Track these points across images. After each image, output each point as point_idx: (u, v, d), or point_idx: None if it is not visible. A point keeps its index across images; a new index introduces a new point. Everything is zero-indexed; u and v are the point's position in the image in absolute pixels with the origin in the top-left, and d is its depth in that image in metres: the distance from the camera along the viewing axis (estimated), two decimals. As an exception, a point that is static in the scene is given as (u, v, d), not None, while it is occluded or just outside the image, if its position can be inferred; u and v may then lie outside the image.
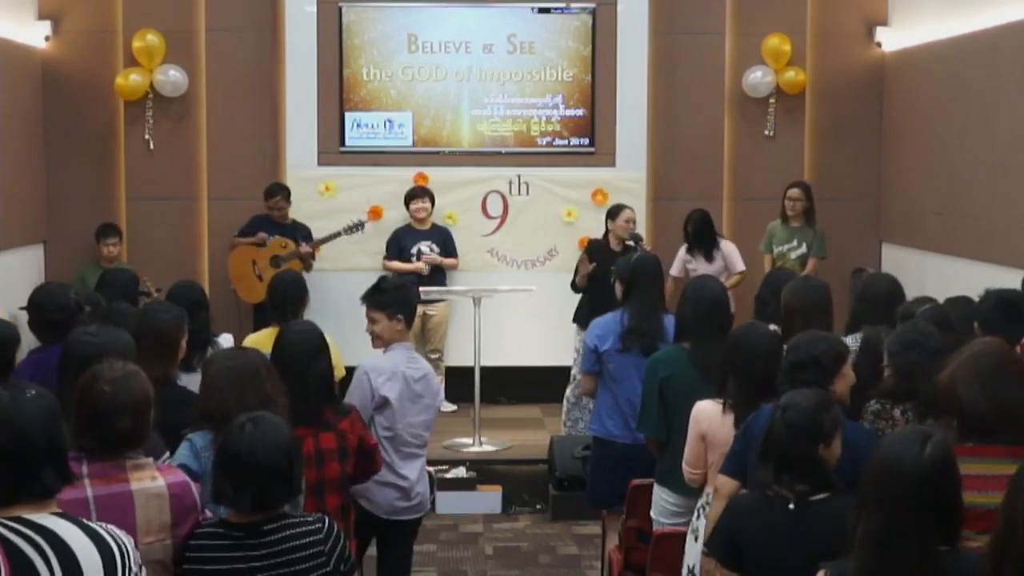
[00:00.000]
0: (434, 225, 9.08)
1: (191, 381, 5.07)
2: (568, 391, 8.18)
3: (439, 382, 5.35)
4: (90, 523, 2.57)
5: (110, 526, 2.62)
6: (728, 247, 8.76)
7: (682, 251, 8.77)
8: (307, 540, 3.26)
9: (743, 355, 4.25)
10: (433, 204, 9.05)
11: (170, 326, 4.54)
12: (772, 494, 3.35)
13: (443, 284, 8.91)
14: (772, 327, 4.81)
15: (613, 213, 8.40)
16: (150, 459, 3.29)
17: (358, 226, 8.97)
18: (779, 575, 3.30)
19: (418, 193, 9.03)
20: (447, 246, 9.03)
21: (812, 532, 3.21)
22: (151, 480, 3.23)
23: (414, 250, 8.92)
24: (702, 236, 8.64)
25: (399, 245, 8.95)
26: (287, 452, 3.26)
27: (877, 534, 2.65)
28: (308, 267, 8.74)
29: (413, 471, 5.11)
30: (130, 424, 3.18)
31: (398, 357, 5.11)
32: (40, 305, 5.01)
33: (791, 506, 3.31)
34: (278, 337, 4.64)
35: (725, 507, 3.53)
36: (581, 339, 8.07)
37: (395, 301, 5.12)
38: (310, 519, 3.33)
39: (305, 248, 8.81)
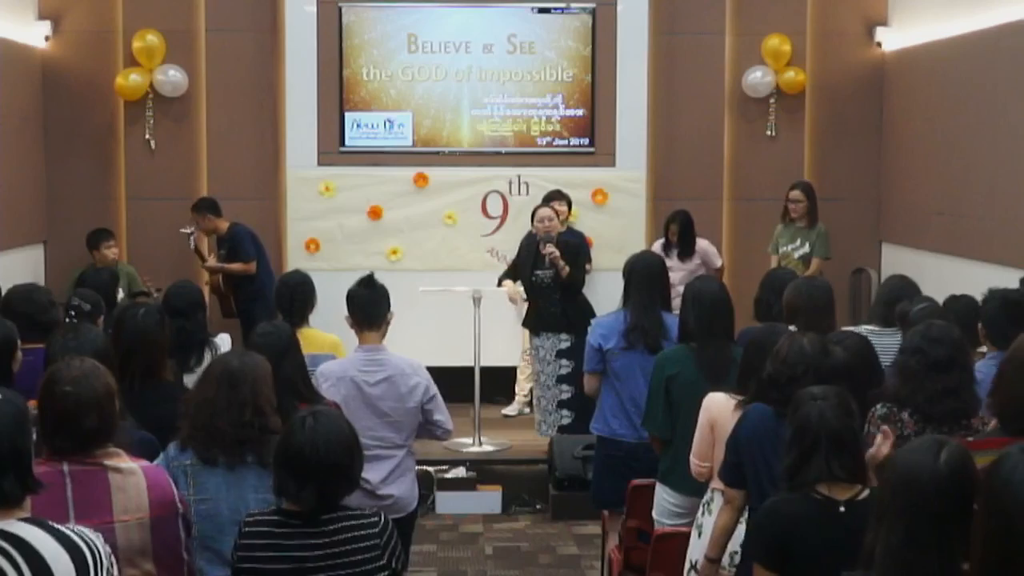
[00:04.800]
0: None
1: (189, 382, 5.08)
2: (539, 393, 8.14)
3: (417, 383, 5.05)
4: (59, 527, 2.57)
5: (80, 528, 2.62)
6: (703, 245, 8.84)
7: (655, 247, 8.66)
8: (363, 533, 3.26)
9: (767, 356, 4.16)
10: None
11: (150, 325, 4.53)
12: (819, 497, 3.28)
13: None
14: (792, 328, 4.81)
15: (534, 211, 8.24)
16: (120, 451, 3.29)
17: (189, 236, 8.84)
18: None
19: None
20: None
21: (864, 531, 3.16)
22: (125, 464, 3.25)
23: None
24: (686, 237, 8.73)
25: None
26: (348, 447, 3.27)
27: (898, 548, 2.57)
28: (227, 274, 8.71)
29: (376, 474, 4.93)
30: (97, 421, 3.19)
31: (350, 361, 5.06)
32: (17, 306, 4.94)
33: (842, 508, 3.25)
34: (246, 340, 4.63)
35: (765, 513, 3.38)
36: (534, 344, 8.10)
37: (346, 301, 5.13)
38: (367, 513, 3.34)
39: (208, 261, 8.79)
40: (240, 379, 3.80)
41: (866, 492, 3.27)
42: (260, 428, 3.74)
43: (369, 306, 5.08)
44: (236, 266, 8.70)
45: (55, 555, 2.49)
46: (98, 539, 2.61)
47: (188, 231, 8.79)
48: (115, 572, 2.64)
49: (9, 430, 2.57)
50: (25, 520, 2.54)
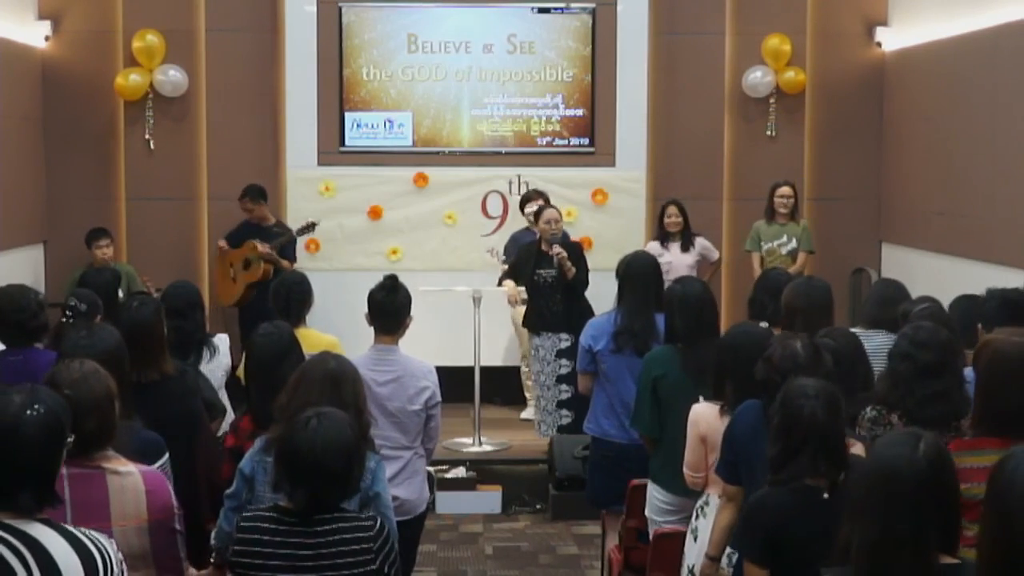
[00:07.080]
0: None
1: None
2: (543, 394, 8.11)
3: (425, 386, 5.03)
4: (72, 529, 2.60)
5: (92, 531, 2.64)
6: (700, 240, 8.91)
7: (653, 245, 8.67)
8: (357, 535, 3.25)
9: (739, 357, 4.19)
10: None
11: (145, 316, 4.51)
12: (802, 487, 3.30)
13: None
14: (764, 325, 4.81)
15: (537, 212, 8.22)
16: (119, 455, 3.30)
17: (309, 227, 8.89)
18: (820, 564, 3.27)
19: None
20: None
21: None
22: (124, 467, 3.26)
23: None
24: (686, 223, 8.82)
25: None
26: (346, 453, 3.24)
27: (877, 542, 2.57)
28: (277, 267, 8.59)
29: None
30: (96, 424, 3.19)
31: (361, 359, 5.00)
32: (4, 309, 4.89)
33: (825, 495, 3.28)
34: (248, 341, 4.61)
35: (752, 508, 3.42)
36: (534, 344, 8.07)
37: (367, 302, 5.11)
38: (363, 516, 3.34)
39: (262, 248, 8.68)
40: (342, 379, 3.82)
41: (843, 475, 3.31)
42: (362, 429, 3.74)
43: (386, 315, 5.07)
44: (285, 263, 8.69)
45: (65, 556, 2.52)
46: (110, 544, 2.63)
47: (314, 221, 8.86)
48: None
49: (39, 442, 2.59)
50: (40, 521, 2.57)
